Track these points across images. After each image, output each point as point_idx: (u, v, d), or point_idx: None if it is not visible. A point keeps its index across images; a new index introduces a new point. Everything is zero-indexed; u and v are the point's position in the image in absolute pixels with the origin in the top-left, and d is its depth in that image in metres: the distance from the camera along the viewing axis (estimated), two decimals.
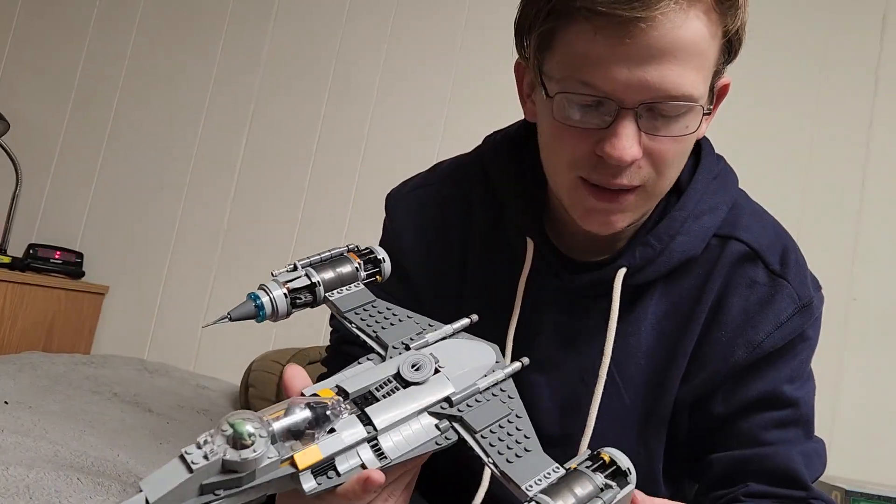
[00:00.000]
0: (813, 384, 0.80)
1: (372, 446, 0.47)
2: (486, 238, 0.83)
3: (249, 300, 0.53)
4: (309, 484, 0.45)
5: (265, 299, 0.53)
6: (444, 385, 0.50)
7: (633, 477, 0.49)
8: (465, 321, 0.57)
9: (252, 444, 0.42)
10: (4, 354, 1.69)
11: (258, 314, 0.53)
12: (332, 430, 0.47)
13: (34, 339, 1.94)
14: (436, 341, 0.54)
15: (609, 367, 0.76)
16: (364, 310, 0.56)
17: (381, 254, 0.61)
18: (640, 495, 0.53)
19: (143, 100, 2.24)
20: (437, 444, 0.49)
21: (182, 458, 0.42)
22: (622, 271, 0.76)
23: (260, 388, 1.53)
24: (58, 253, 2.07)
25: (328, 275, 0.56)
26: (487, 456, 0.48)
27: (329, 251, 0.59)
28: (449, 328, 0.55)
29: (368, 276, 0.59)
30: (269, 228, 2.08)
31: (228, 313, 0.53)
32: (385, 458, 0.47)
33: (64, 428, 1.04)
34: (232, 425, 0.42)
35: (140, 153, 2.22)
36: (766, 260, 0.77)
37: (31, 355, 1.63)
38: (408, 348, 0.53)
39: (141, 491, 0.41)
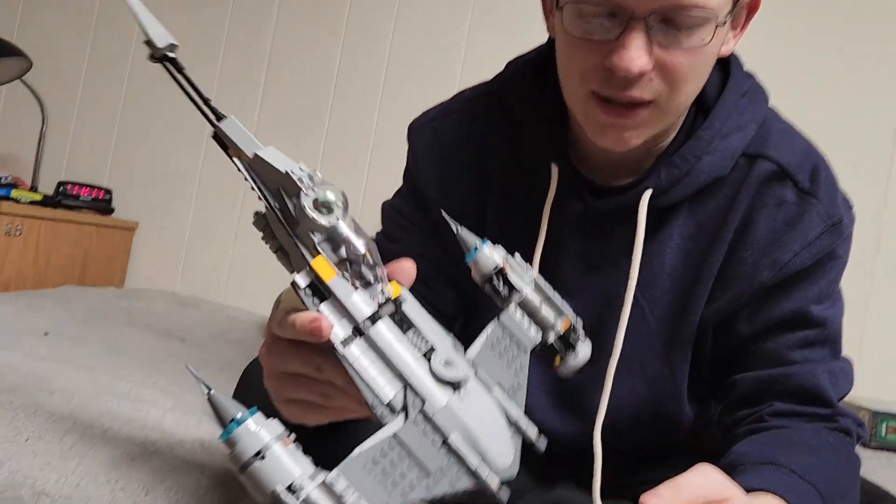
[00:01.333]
0: (841, 304, 0.79)
1: (353, 332, 0.48)
2: (508, 166, 0.82)
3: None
4: (302, 280, 0.49)
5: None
6: (434, 400, 0.48)
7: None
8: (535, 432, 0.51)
9: (324, 213, 0.49)
10: (42, 289, 1.73)
11: None
12: (355, 286, 0.49)
13: (69, 274, 1.99)
14: (497, 399, 0.50)
15: (640, 305, 0.76)
16: (510, 337, 0.54)
17: None
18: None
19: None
20: (372, 403, 0.47)
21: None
22: (647, 193, 0.75)
23: None
24: (86, 190, 2.10)
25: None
26: (368, 450, 0.46)
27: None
28: (517, 412, 0.51)
29: None
30: (292, 158, 2.08)
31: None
32: (342, 349, 0.48)
33: (102, 357, 1.08)
34: (331, 193, 0.49)
35: (161, 88, 2.21)
36: (795, 178, 0.75)
37: (68, 289, 1.67)
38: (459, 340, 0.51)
39: None
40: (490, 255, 0.55)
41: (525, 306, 0.54)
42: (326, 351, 0.50)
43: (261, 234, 0.53)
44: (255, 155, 0.51)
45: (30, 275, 1.88)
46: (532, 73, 0.81)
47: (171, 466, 0.68)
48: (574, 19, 0.66)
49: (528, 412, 0.60)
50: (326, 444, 0.73)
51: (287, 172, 0.50)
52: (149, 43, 0.52)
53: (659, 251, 0.77)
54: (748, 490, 0.58)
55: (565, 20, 0.67)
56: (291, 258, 0.51)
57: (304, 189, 0.49)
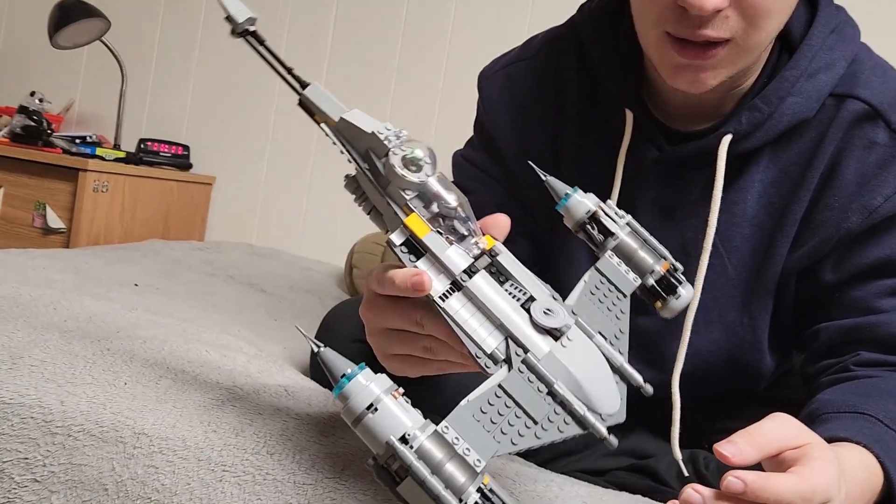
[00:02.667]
0: None
1: (451, 286, 0.49)
2: (582, 112, 0.81)
3: None
4: (397, 238, 0.50)
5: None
6: (537, 347, 0.48)
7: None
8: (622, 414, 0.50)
9: (414, 168, 0.50)
10: (129, 243, 1.81)
11: None
12: (450, 241, 0.50)
13: (153, 229, 2.07)
14: (600, 346, 0.50)
15: (719, 253, 0.75)
16: (609, 282, 0.53)
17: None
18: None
19: None
20: (477, 354, 0.48)
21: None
22: (727, 138, 0.73)
23: (363, 269, 1.59)
24: (166, 146, 2.17)
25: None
26: (478, 395, 0.47)
27: None
28: (620, 359, 0.50)
29: None
30: (361, 108, 2.08)
31: None
32: (442, 303, 0.49)
33: (188, 307, 1.13)
34: (416, 150, 0.50)
35: (233, 45, 2.24)
36: (887, 118, 0.71)
37: (153, 243, 1.74)
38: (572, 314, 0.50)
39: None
40: (582, 200, 0.55)
41: (621, 251, 0.54)
42: (426, 306, 0.51)
43: (353, 196, 0.54)
44: (342, 118, 0.52)
45: (117, 229, 1.97)
46: (606, 15, 0.79)
47: (257, 410, 0.71)
48: None
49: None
50: (419, 394, 0.76)
51: (373, 133, 0.50)
52: (229, 19, 0.53)
53: (740, 199, 0.75)
54: (830, 440, 0.57)
55: None
56: (385, 217, 0.52)
57: (391, 148, 0.50)
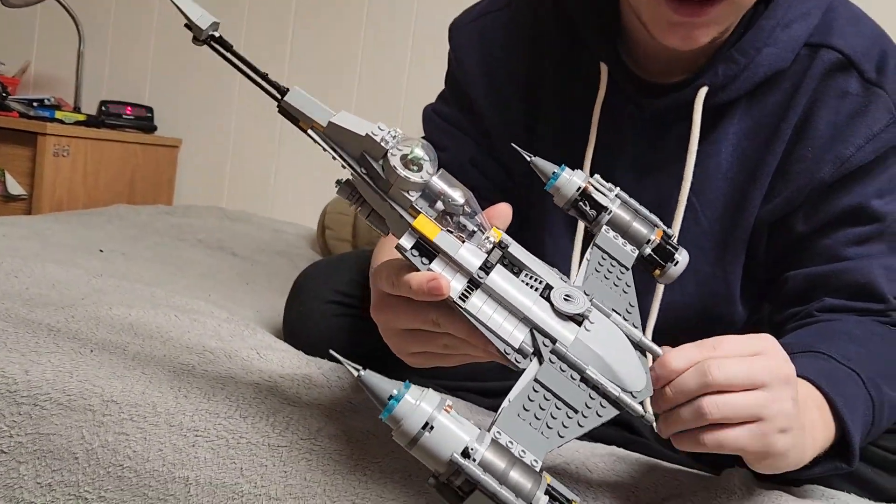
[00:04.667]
0: None
1: (468, 285, 0.48)
2: (558, 65, 0.79)
3: None
4: (407, 242, 0.48)
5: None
6: (564, 335, 0.47)
7: None
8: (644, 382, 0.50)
9: (412, 170, 0.48)
10: (94, 208, 1.77)
11: None
12: (461, 239, 0.48)
13: (118, 193, 2.03)
14: (618, 324, 0.50)
15: (693, 207, 0.75)
16: (610, 258, 0.53)
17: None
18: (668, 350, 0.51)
19: None
20: (505, 350, 0.47)
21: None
22: (703, 91, 0.72)
23: (336, 230, 1.57)
24: (129, 108, 2.11)
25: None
26: (516, 396, 0.46)
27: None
28: (637, 334, 0.50)
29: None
30: (330, 61, 2.04)
31: None
32: (463, 304, 0.48)
33: (156, 272, 1.11)
34: (415, 149, 0.48)
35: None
36: (860, 68, 0.71)
37: (118, 208, 1.70)
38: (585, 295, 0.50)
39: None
40: (571, 178, 0.54)
41: (615, 224, 0.53)
42: (441, 304, 0.49)
43: (348, 202, 0.51)
44: (330, 123, 0.49)
45: (81, 195, 1.92)
46: None
47: (229, 374, 0.70)
48: None
49: None
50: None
51: (368, 135, 0.48)
52: (190, 26, 0.49)
53: (714, 151, 0.74)
54: None
55: None
56: (389, 221, 0.50)
57: (389, 149, 0.47)
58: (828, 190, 0.73)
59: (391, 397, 0.43)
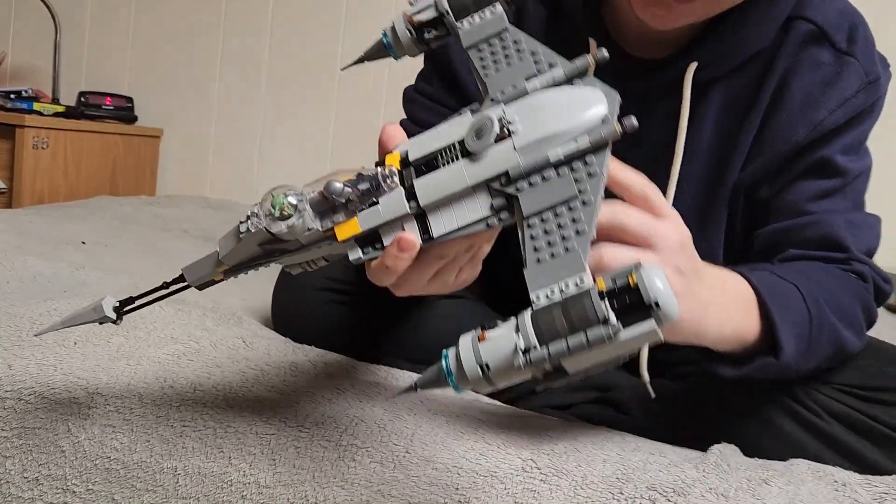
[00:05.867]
0: (869, 161, 0.77)
1: (420, 220, 0.47)
2: (541, 40, 0.79)
3: (379, 40, 0.52)
4: (354, 254, 0.47)
5: (391, 37, 0.51)
6: (507, 157, 0.44)
7: (661, 311, 0.37)
8: (584, 61, 0.47)
9: (292, 215, 0.45)
10: (75, 200, 1.75)
11: (389, 52, 0.52)
12: (373, 204, 0.47)
13: (100, 185, 2.01)
14: (538, 89, 0.47)
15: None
16: (489, 44, 0.49)
17: None
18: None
19: None
20: (487, 224, 0.46)
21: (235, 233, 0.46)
22: (693, 66, 0.73)
23: None
24: (108, 99, 2.09)
25: (463, 4, 0.50)
26: (523, 250, 0.43)
27: None
28: (561, 73, 0.47)
29: None
30: (310, 48, 2.02)
31: (362, 55, 0.53)
32: (430, 236, 0.46)
33: (140, 263, 1.10)
34: (273, 197, 0.45)
35: None
36: (832, 39, 0.73)
37: (101, 200, 1.69)
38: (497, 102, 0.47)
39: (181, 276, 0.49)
40: (391, 24, 0.52)
41: (455, 8, 0.51)
42: (425, 248, 0.48)
43: (307, 269, 0.51)
44: (225, 261, 0.49)
45: (62, 187, 1.90)
46: None
47: (215, 363, 0.70)
48: None
49: None
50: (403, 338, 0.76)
51: (243, 235, 0.47)
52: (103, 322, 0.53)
53: (698, 125, 0.75)
54: None
55: None
56: (327, 256, 0.50)
57: (265, 224, 0.45)
58: (799, 152, 0.75)
59: (446, 371, 0.41)
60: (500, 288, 0.84)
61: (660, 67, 0.74)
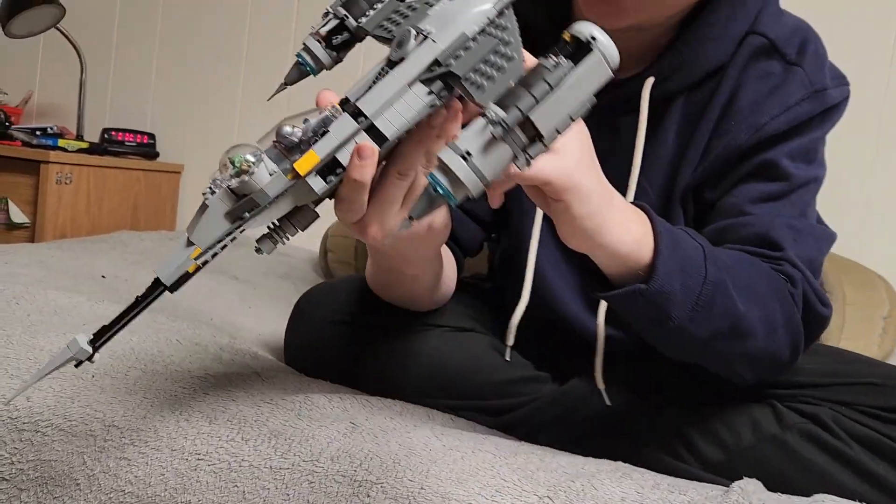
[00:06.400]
0: (819, 173, 0.78)
1: (370, 133, 0.50)
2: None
3: (296, 63, 0.56)
4: (318, 185, 0.50)
5: (306, 56, 0.55)
6: (431, 49, 0.50)
7: (599, 44, 0.47)
8: None
9: (250, 168, 0.48)
10: (97, 235, 1.77)
11: (307, 70, 0.56)
12: (325, 133, 0.50)
13: (121, 220, 2.03)
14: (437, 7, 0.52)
15: (640, 177, 0.79)
16: (389, 18, 0.54)
17: None
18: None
19: None
20: (431, 106, 0.50)
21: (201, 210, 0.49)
22: (650, 82, 0.77)
23: (339, 253, 1.57)
24: (130, 135, 2.12)
25: (357, 5, 0.55)
26: (470, 96, 0.49)
27: None
28: None
29: None
30: (332, 84, 2.05)
31: (284, 81, 0.56)
32: (384, 137, 0.50)
33: (159, 299, 1.10)
34: (231, 158, 0.48)
35: (195, 29, 2.20)
36: (782, 51, 0.76)
37: (121, 234, 1.71)
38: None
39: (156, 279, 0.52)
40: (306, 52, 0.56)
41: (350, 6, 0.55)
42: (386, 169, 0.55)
43: (274, 243, 0.53)
44: (203, 253, 0.51)
45: (84, 222, 1.92)
46: None
47: (230, 397, 0.70)
48: None
49: (561, 308, 0.76)
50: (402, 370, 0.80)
51: (204, 203, 0.50)
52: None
53: (661, 138, 0.79)
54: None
55: None
56: (297, 200, 0.51)
57: (227, 185, 0.49)
58: (742, 155, 0.77)
59: (437, 192, 0.46)
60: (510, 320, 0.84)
61: (622, 84, 0.78)
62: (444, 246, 0.81)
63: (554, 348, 0.87)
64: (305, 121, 0.51)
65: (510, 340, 0.84)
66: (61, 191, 1.86)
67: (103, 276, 1.18)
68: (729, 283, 0.63)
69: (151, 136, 2.18)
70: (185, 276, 0.52)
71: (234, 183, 0.48)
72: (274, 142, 0.50)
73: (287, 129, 0.50)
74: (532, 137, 0.46)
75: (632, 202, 0.62)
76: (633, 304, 0.61)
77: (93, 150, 2.00)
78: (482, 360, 0.84)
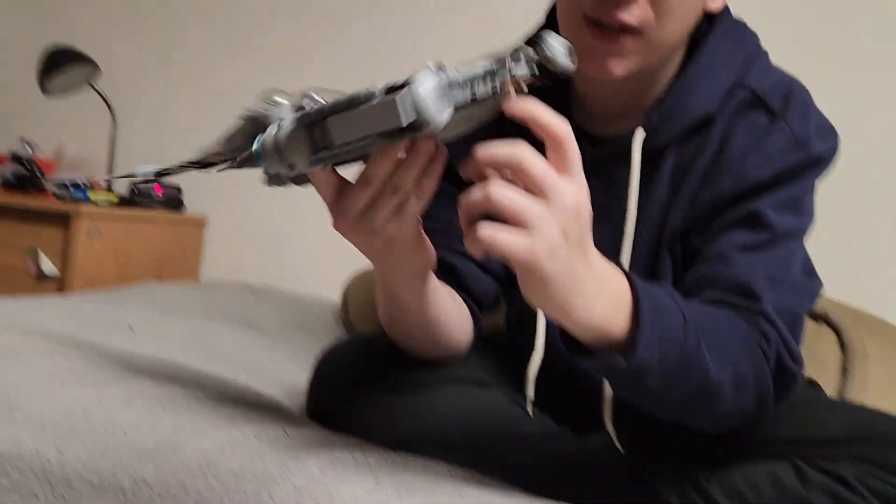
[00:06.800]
0: (803, 223, 0.79)
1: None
2: (521, 130, 0.85)
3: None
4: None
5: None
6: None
7: (410, 90, 0.49)
8: None
9: (276, 104, 0.59)
10: (123, 286, 1.81)
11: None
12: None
13: (148, 271, 2.07)
14: None
15: (638, 228, 0.82)
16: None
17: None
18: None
19: (210, 27, 2.28)
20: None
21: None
22: (640, 134, 0.80)
23: (359, 305, 1.59)
24: (158, 188, 2.18)
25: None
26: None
27: None
28: None
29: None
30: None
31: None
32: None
33: (185, 351, 1.13)
34: (265, 94, 0.60)
35: (219, 84, 2.27)
36: (767, 103, 0.79)
37: (148, 286, 1.74)
38: None
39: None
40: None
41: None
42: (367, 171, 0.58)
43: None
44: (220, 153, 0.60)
45: (111, 273, 1.96)
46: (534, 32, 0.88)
47: (257, 453, 0.71)
48: None
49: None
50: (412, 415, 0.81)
51: (243, 119, 0.61)
52: None
53: (654, 190, 0.82)
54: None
55: None
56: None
57: (255, 109, 0.59)
58: (728, 203, 0.79)
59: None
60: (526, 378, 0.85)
61: (614, 139, 0.82)
62: (456, 294, 0.84)
63: (572, 400, 0.87)
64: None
65: (530, 394, 0.85)
66: (91, 243, 1.90)
67: (132, 329, 1.20)
68: (704, 348, 0.64)
69: (178, 188, 2.23)
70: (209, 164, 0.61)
71: (259, 109, 0.58)
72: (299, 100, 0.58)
73: (312, 94, 0.57)
74: (323, 141, 0.50)
75: (619, 266, 0.61)
76: (608, 372, 0.62)
77: (122, 202, 2.06)
78: (502, 416, 0.85)
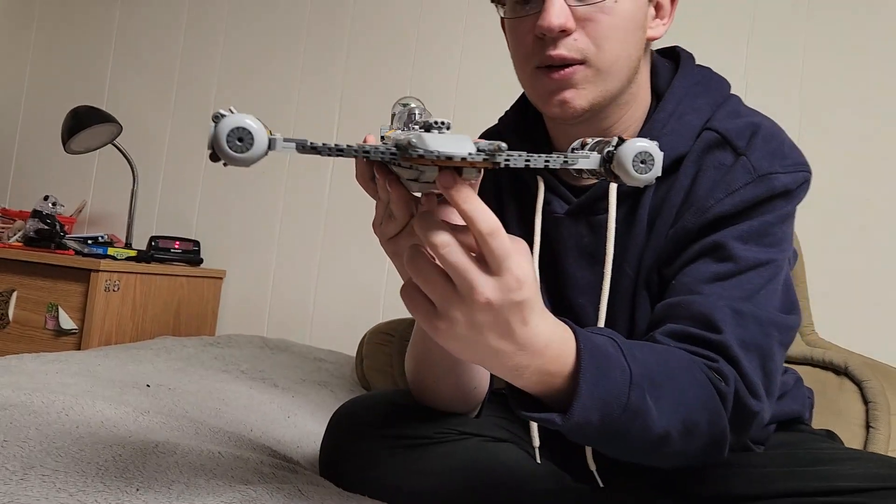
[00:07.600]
0: (770, 256, 0.78)
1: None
2: (512, 184, 0.95)
3: None
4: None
5: None
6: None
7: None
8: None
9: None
10: (141, 341, 1.82)
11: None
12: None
13: (164, 325, 2.08)
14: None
15: (622, 266, 0.85)
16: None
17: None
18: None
19: (238, 91, 2.34)
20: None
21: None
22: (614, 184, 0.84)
23: (374, 360, 1.59)
24: (177, 243, 2.21)
25: None
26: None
27: None
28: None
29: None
30: (366, 196, 2.12)
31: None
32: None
33: (201, 407, 1.13)
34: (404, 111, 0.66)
35: None
36: (733, 143, 0.82)
37: (164, 340, 1.75)
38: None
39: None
40: None
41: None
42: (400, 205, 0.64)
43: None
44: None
45: (129, 327, 1.98)
46: (517, 103, 0.97)
47: None
48: (511, 5, 0.83)
49: None
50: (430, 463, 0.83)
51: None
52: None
53: (635, 230, 0.85)
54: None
55: (506, 11, 0.84)
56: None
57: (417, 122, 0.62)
58: (692, 236, 0.81)
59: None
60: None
61: (594, 186, 0.86)
62: None
63: (563, 436, 0.87)
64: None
65: (535, 442, 0.87)
66: (109, 297, 1.92)
67: (148, 385, 1.20)
68: (650, 401, 0.63)
69: (196, 242, 2.26)
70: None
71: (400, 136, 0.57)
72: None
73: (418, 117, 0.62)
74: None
75: (564, 320, 0.61)
76: (548, 426, 0.62)
77: (140, 257, 2.08)
78: (517, 471, 0.85)
